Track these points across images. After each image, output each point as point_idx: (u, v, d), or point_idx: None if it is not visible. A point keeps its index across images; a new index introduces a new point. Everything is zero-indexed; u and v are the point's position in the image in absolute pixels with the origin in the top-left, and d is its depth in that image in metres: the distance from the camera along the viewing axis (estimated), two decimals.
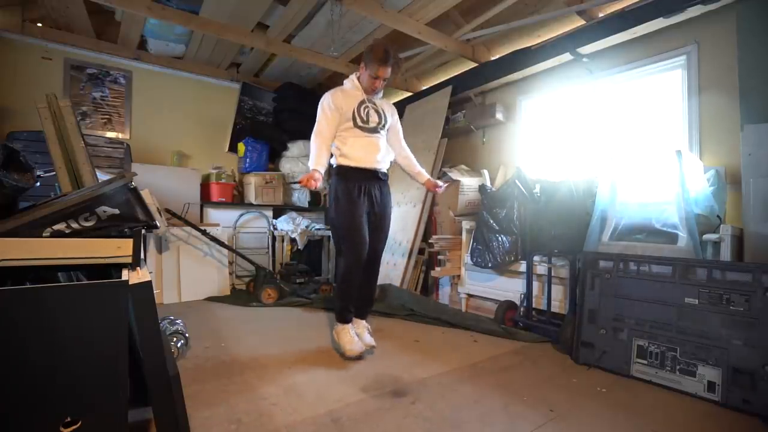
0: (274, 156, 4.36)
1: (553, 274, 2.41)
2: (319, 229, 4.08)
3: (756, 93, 2.07)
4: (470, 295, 3.04)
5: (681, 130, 2.48)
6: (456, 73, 3.82)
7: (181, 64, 4.04)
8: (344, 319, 2.05)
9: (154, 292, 0.98)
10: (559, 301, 2.42)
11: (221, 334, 2.35)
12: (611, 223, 2.19)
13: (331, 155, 2.06)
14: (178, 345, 1.94)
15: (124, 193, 1.00)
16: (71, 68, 3.57)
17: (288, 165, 4.29)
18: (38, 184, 1.12)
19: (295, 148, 4.27)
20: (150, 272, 1.00)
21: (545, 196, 2.63)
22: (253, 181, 3.96)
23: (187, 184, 3.65)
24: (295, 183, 4.20)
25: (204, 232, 3.28)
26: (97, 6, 2.96)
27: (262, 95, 4.52)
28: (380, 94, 2.17)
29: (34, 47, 3.38)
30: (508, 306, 2.59)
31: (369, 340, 2.08)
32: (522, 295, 2.55)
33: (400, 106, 3.87)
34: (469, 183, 3.32)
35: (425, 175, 2.26)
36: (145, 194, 2.10)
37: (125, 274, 0.94)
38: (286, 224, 3.98)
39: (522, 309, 2.55)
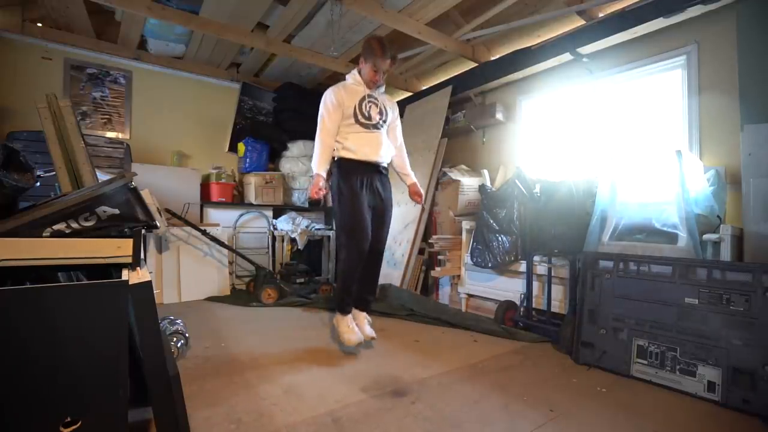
0: (274, 156, 4.36)
1: (553, 274, 2.41)
2: (319, 229, 4.08)
3: (756, 93, 2.07)
4: (470, 295, 3.04)
5: (681, 130, 2.48)
6: (456, 73, 3.82)
7: (181, 64, 4.04)
8: (343, 310, 2.08)
9: (154, 292, 0.98)
10: (559, 301, 2.42)
11: (221, 334, 2.35)
12: (611, 223, 2.19)
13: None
14: (178, 345, 1.94)
15: (124, 193, 1.00)
16: (71, 68, 3.57)
17: (288, 165, 4.29)
18: (38, 184, 1.12)
19: (295, 148, 4.27)
20: (150, 272, 1.00)
21: (545, 196, 2.63)
22: (253, 181, 3.95)
23: (187, 184, 3.65)
24: (297, 188, 4.24)
25: (204, 232, 3.28)
26: (97, 6, 2.96)
27: (262, 95, 4.52)
28: (382, 89, 2.21)
29: (34, 47, 3.38)
30: (508, 306, 2.59)
31: (369, 331, 2.09)
32: (522, 295, 2.55)
33: (401, 106, 3.86)
34: (469, 183, 3.32)
35: (412, 179, 2.30)
36: (145, 194, 2.10)
37: (125, 274, 0.94)
38: (286, 224, 3.98)
39: (522, 309, 2.55)
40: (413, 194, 2.28)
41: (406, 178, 2.31)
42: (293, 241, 3.97)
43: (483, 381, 1.75)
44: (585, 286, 2.04)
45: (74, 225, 0.93)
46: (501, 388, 1.68)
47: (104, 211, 0.96)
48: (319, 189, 1.93)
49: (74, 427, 0.85)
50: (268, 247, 3.96)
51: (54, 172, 1.39)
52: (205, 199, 3.79)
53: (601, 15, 2.81)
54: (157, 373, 0.95)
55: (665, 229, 2.00)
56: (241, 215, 3.89)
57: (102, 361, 0.89)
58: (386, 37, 3.28)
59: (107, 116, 3.74)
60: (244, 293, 3.54)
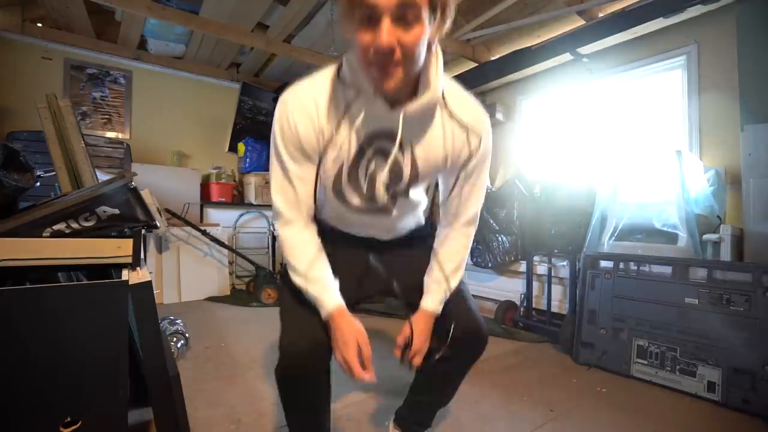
0: None
1: (553, 274, 2.41)
2: None
3: (756, 93, 2.06)
4: None
5: (681, 130, 2.48)
6: (456, 73, 3.82)
7: (181, 64, 4.04)
8: None
9: (154, 292, 0.98)
10: (559, 301, 2.42)
11: (221, 334, 2.35)
12: (611, 223, 2.19)
13: None
14: (178, 345, 1.94)
15: (124, 193, 1.00)
16: (71, 68, 3.57)
17: None
18: (38, 184, 1.12)
19: None
20: (150, 272, 0.99)
21: (545, 196, 2.63)
22: (253, 181, 3.95)
23: (187, 184, 3.65)
24: None
25: (204, 232, 3.28)
26: (97, 6, 2.96)
27: (262, 95, 4.52)
28: (434, 91, 0.84)
29: (34, 47, 3.38)
30: (508, 306, 2.59)
31: None
32: (522, 295, 2.55)
33: None
34: None
35: (430, 304, 0.95)
36: (145, 194, 2.10)
37: (125, 274, 0.94)
38: None
39: (522, 309, 2.55)
40: (408, 331, 0.94)
41: (428, 291, 0.96)
42: None
43: (483, 381, 1.75)
44: (585, 286, 2.04)
45: (74, 225, 0.93)
46: (501, 388, 1.68)
47: (104, 211, 0.96)
48: (360, 364, 0.85)
49: (74, 427, 0.85)
50: (268, 247, 3.95)
51: (54, 172, 1.39)
52: (205, 199, 3.78)
53: (601, 15, 2.81)
54: (157, 373, 0.95)
55: (665, 229, 2.00)
56: (241, 215, 3.89)
57: (102, 361, 0.89)
58: None
59: (107, 116, 3.73)
60: (244, 293, 3.54)
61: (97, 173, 1.55)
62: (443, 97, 0.80)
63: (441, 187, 0.96)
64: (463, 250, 0.98)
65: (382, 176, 0.85)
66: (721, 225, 1.93)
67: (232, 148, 4.35)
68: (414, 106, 0.76)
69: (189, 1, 2.99)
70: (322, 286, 0.85)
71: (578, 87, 3.03)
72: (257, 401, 1.51)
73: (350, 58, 0.77)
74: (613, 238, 2.16)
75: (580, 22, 2.89)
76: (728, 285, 1.63)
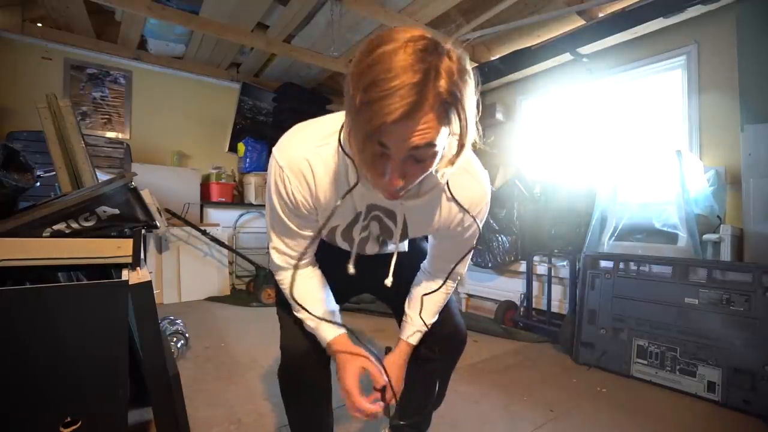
0: None
1: (553, 274, 2.42)
2: None
3: (756, 93, 2.07)
4: (470, 295, 3.04)
5: (681, 130, 2.48)
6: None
7: (181, 64, 4.04)
8: None
9: (154, 292, 0.98)
10: (559, 301, 2.42)
11: (221, 334, 2.35)
12: (611, 223, 2.19)
13: None
14: (178, 345, 1.94)
15: (124, 193, 1.00)
16: (71, 68, 3.56)
17: None
18: (38, 184, 1.11)
19: None
20: (150, 272, 0.99)
21: (545, 196, 2.63)
22: (253, 181, 3.95)
23: (187, 184, 3.65)
24: None
25: (204, 232, 3.28)
26: (97, 6, 2.96)
27: (262, 95, 4.51)
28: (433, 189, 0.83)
29: (34, 47, 3.38)
30: (508, 306, 2.59)
31: None
32: (522, 295, 2.55)
33: None
34: None
35: (409, 339, 0.96)
36: (145, 194, 2.10)
37: (125, 274, 0.93)
38: None
39: (522, 309, 2.55)
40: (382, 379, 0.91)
41: (406, 328, 0.97)
42: None
43: (483, 381, 1.75)
44: (585, 286, 2.04)
45: (74, 225, 0.93)
46: (501, 388, 1.68)
47: (104, 211, 0.96)
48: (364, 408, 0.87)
49: (74, 427, 0.85)
50: (268, 247, 3.95)
51: (54, 172, 1.39)
52: (205, 199, 3.78)
53: (601, 15, 2.81)
54: (157, 373, 0.95)
55: (665, 229, 2.00)
56: (241, 215, 3.89)
57: (102, 361, 0.89)
58: None
59: (107, 116, 3.73)
60: (244, 293, 3.54)
61: (97, 173, 1.55)
62: (447, 184, 0.76)
63: (431, 242, 0.94)
64: (444, 301, 0.97)
65: (375, 234, 0.87)
66: (721, 225, 1.93)
67: (232, 148, 4.35)
68: (416, 201, 0.75)
69: (189, 1, 2.99)
70: (317, 321, 0.86)
71: (578, 87, 3.03)
72: (257, 401, 1.51)
73: (351, 147, 0.65)
74: (613, 238, 2.16)
75: (580, 22, 2.89)
76: (728, 285, 1.63)
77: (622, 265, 1.94)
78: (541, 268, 2.48)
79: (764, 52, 2.05)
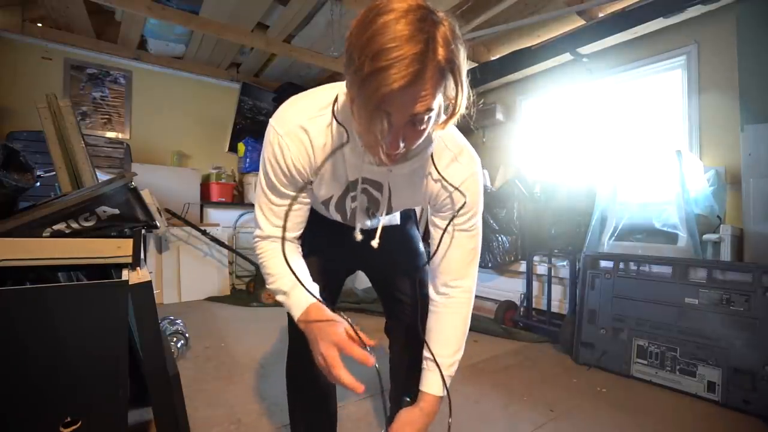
0: None
1: (553, 274, 2.42)
2: None
3: (756, 93, 2.07)
4: None
5: (681, 130, 2.48)
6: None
7: (181, 64, 4.04)
8: None
9: (154, 292, 0.98)
10: (559, 301, 2.42)
11: (221, 334, 2.35)
12: (611, 223, 2.19)
13: None
14: (178, 345, 1.94)
15: (124, 193, 1.00)
16: (71, 68, 3.56)
17: None
18: (38, 184, 1.11)
19: None
20: (150, 272, 0.99)
21: (545, 196, 2.63)
22: (253, 181, 3.95)
23: (187, 184, 3.65)
24: None
25: (204, 232, 3.28)
26: (97, 6, 2.96)
27: (262, 95, 4.51)
28: (426, 151, 0.83)
29: (34, 47, 3.38)
30: (508, 306, 2.59)
31: None
32: (522, 295, 2.55)
33: None
34: None
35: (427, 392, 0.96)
36: (145, 194, 2.09)
37: (125, 274, 0.93)
38: None
39: (522, 309, 2.55)
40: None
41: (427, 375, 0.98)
42: None
43: (483, 381, 1.75)
44: (585, 286, 2.04)
45: (74, 225, 0.93)
46: (501, 388, 1.68)
47: (104, 211, 0.96)
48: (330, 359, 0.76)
49: (74, 427, 0.85)
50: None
51: (54, 172, 1.39)
52: (205, 199, 3.78)
53: (601, 15, 2.81)
54: (157, 373, 0.95)
55: (665, 229, 2.00)
56: (241, 215, 3.89)
57: (102, 361, 0.89)
58: None
59: (107, 116, 3.73)
60: (244, 293, 3.54)
61: (97, 173, 1.55)
62: (432, 159, 0.79)
63: (432, 240, 0.89)
64: (464, 325, 0.90)
65: (364, 207, 0.87)
66: (721, 225, 1.93)
67: (232, 148, 4.35)
68: (402, 168, 0.76)
69: (189, 1, 2.99)
70: (288, 294, 0.82)
71: (578, 87, 3.03)
72: (257, 401, 1.51)
73: (345, 108, 0.72)
74: (613, 238, 2.16)
75: (580, 22, 2.89)
76: (728, 285, 1.63)
77: (622, 265, 1.94)
78: (541, 268, 2.48)
79: (764, 52, 2.05)
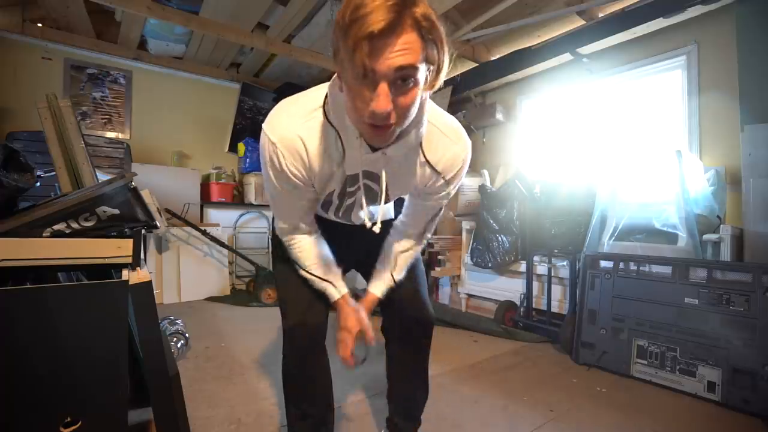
0: None
1: (553, 274, 2.41)
2: None
3: (756, 93, 2.07)
4: (470, 295, 3.04)
5: (681, 130, 2.48)
6: (456, 73, 3.82)
7: (181, 64, 4.04)
8: None
9: (154, 292, 0.98)
10: (559, 301, 2.42)
11: (221, 334, 2.35)
12: (611, 223, 2.19)
13: None
14: (178, 345, 1.94)
15: (124, 193, 1.00)
16: (71, 68, 3.56)
17: None
18: (38, 184, 1.11)
19: None
20: (150, 272, 0.99)
21: (545, 196, 2.63)
22: (253, 181, 3.95)
23: (187, 184, 3.65)
24: None
25: (204, 232, 3.28)
26: (97, 6, 2.96)
27: (262, 95, 4.52)
28: (418, 132, 0.86)
29: (34, 47, 3.38)
30: (508, 306, 2.59)
31: None
32: (522, 295, 2.55)
33: None
34: (468, 183, 3.32)
35: (376, 291, 1.04)
36: (145, 194, 2.09)
37: (125, 274, 0.93)
38: None
39: (522, 309, 2.55)
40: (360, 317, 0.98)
41: (376, 282, 1.05)
42: None
43: (483, 381, 1.75)
44: (585, 286, 2.04)
45: (74, 225, 0.93)
46: (501, 389, 1.68)
47: (104, 211, 0.96)
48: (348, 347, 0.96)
49: (74, 427, 0.85)
50: (268, 247, 3.95)
51: (54, 172, 1.39)
52: (205, 199, 3.78)
53: (601, 15, 2.81)
54: (157, 373, 0.95)
55: (665, 229, 2.00)
56: (241, 215, 3.89)
57: (102, 361, 0.89)
58: None
59: (107, 116, 3.73)
60: (244, 293, 3.54)
61: (97, 173, 1.56)
62: (420, 145, 0.84)
63: (406, 202, 1.03)
64: (412, 259, 1.07)
65: (361, 201, 0.92)
66: (721, 225, 1.93)
67: (232, 148, 4.35)
68: (393, 150, 0.79)
69: (189, 1, 2.99)
70: (328, 280, 0.98)
71: (578, 87, 3.03)
72: (257, 401, 1.51)
73: (335, 97, 0.77)
74: (613, 238, 2.16)
75: (580, 22, 2.89)
76: (728, 285, 1.63)
77: (622, 265, 1.94)
78: (541, 268, 2.48)
79: (764, 52, 2.05)
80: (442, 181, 0.89)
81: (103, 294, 0.90)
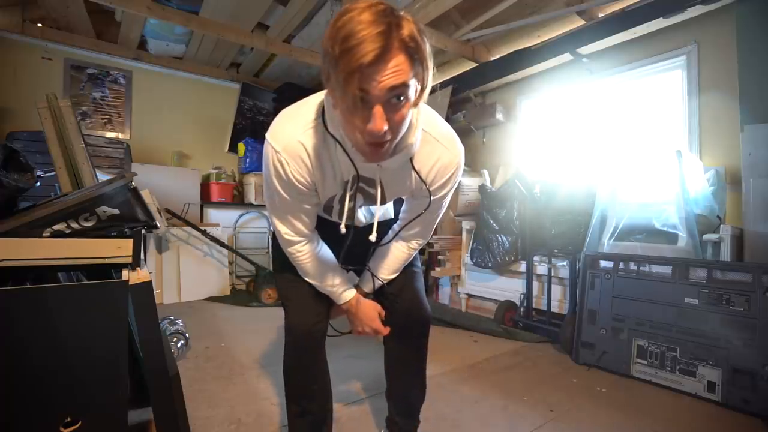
0: None
1: (553, 274, 2.41)
2: None
3: (756, 93, 2.06)
4: (470, 295, 3.04)
5: (681, 130, 2.48)
6: (456, 73, 3.82)
7: (181, 64, 4.04)
8: None
9: (154, 292, 0.98)
10: (559, 301, 2.42)
11: (221, 334, 2.35)
12: (611, 223, 2.19)
13: None
14: (178, 345, 1.94)
15: (124, 193, 1.00)
16: (71, 68, 3.56)
17: None
18: (38, 184, 1.11)
19: None
20: (150, 272, 0.99)
21: (545, 196, 2.63)
22: (253, 181, 3.95)
23: (187, 184, 3.65)
24: None
25: (204, 232, 3.28)
26: (97, 6, 2.96)
27: (262, 95, 4.52)
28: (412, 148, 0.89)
29: (34, 47, 3.38)
30: (508, 306, 2.59)
31: None
32: (522, 295, 2.55)
33: None
34: (468, 183, 3.31)
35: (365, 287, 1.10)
36: (145, 194, 2.09)
37: (125, 274, 0.93)
38: None
39: (522, 309, 2.55)
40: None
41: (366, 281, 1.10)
42: None
43: (483, 381, 1.75)
44: (585, 286, 2.04)
45: (74, 225, 0.93)
46: (501, 389, 1.68)
47: (104, 211, 0.96)
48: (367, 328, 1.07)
49: (74, 427, 0.85)
50: (268, 247, 3.95)
51: (54, 172, 1.39)
52: (205, 199, 3.79)
53: (601, 15, 2.81)
54: (157, 373, 0.95)
55: (665, 229, 2.00)
56: (241, 215, 3.89)
57: (102, 361, 0.89)
58: None
59: (107, 116, 3.73)
60: (244, 293, 3.54)
61: (97, 173, 1.56)
62: (411, 159, 0.87)
63: (404, 205, 1.07)
64: (409, 258, 1.10)
65: (359, 203, 0.98)
66: (721, 225, 1.93)
67: (232, 148, 4.35)
68: (388, 164, 0.83)
69: (189, 1, 2.99)
70: (334, 287, 1.03)
71: (578, 87, 3.03)
72: (257, 401, 1.51)
73: (331, 110, 0.79)
74: (613, 238, 2.16)
75: (580, 22, 2.89)
76: (728, 285, 1.62)
77: (622, 265, 1.94)
78: (541, 268, 2.48)
79: (764, 52, 2.05)
80: (434, 186, 0.93)
81: (103, 294, 0.90)
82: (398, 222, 1.08)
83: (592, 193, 2.36)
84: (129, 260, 0.96)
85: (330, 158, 0.86)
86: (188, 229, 3.29)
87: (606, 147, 2.86)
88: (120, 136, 3.76)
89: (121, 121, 3.80)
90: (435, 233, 3.44)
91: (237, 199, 4.03)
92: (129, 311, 0.93)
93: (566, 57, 2.91)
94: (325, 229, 1.04)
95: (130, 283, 0.91)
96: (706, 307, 1.66)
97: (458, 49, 3.47)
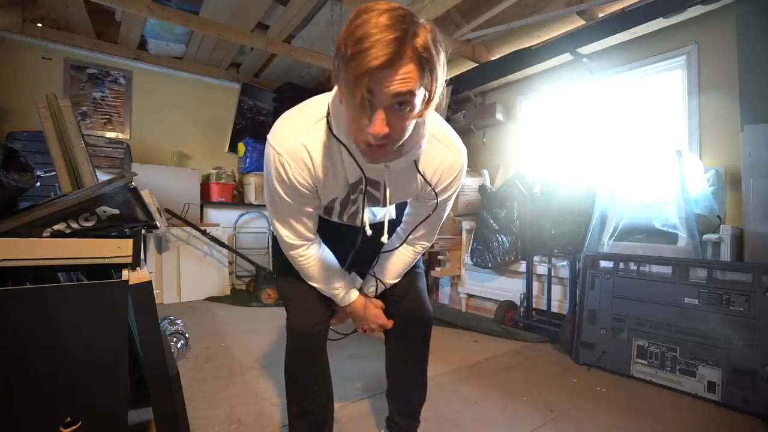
0: None
1: (553, 274, 2.41)
2: None
3: (756, 93, 2.07)
4: (470, 295, 3.04)
5: (681, 130, 2.48)
6: (456, 73, 3.82)
7: (181, 64, 4.04)
8: None
9: (154, 292, 0.98)
10: (559, 301, 2.42)
11: (221, 334, 2.35)
12: (611, 223, 2.19)
13: None
14: (178, 345, 1.94)
15: (124, 193, 1.00)
16: (71, 68, 3.56)
17: None
18: (38, 184, 1.11)
19: None
20: (150, 272, 0.99)
21: (545, 196, 2.63)
22: (253, 181, 3.95)
23: (187, 184, 3.65)
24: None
25: (204, 232, 3.28)
26: (97, 6, 2.96)
27: (262, 95, 4.52)
28: (418, 148, 0.89)
29: (34, 47, 3.38)
30: (508, 306, 2.59)
31: None
32: (522, 295, 2.55)
33: None
34: (469, 183, 3.31)
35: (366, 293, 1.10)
36: (145, 194, 2.08)
37: (125, 274, 0.93)
38: None
39: (522, 309, 2.55)
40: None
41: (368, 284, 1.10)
42: None
43: (483, 381, 1.75)
44: (585, 286, 2.04)
45: (74, 225, 0.93)
46: (501, 389, 1.68)
47: (104, 211, 0.96)
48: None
49: (74, 427, 0.85)
50: (268, 247, 3.95)
51: (54, 172, 1.39)
52: (205, 199, 3.78)
53: (601, 15, 2.81)
54: (157, 373, 0.95)
55: (665, 229, 2.00)
56: (241, 215, 3.89)
57: (102, 361, 0.89)
58: None
59: (107, 116, 3.73)
60: (244, 293, 3.54)
61: (97, 173, 1.56)
62: (416, 162, 0.87)
63: (408, 209, 1.06)
64: (412, 261, 1.10)
65: (364, 206, 0.95)
66: (721, 225, 1.93)
67: (232, 148, 4.35)
68: (395, 164, 0.84)
69: (189, 1, 2.99)
70: (337, 290, 1.03)
71: (578, 87, 3.03)
72: (257, 401, 1.51)
73: (337, 110, 0.79)
74: (613, 238, 2.16)
75: (580, 22, 2.89)
76: (728, 285, 1.63)
77: (622, 265, 1.94)
78: (541, 268, 2.48)
79: (764, 52, 2.05)
80: (439, 187, 0.93)
81: (103, 294, 0.90)
82: (403, 226, 1.07)
83: (592, 193, 2.36)
84: (129, 260, 0.96)
85: (333, 160, 0.85)
86: (188, 229, 3.29)
87: (606, 147, 2.86)
88: (120, 136, 3.76)
89: (121, 121, 3.80)
90: None
91: (237, 199, 4.03)
92: (129, 311, 0.93)
93: (566, 57, 2.91)
94: (326, 230, 1.03)
95: (130, 283, 0.91)
96: (706, 307, 1.66)
97: (458, 49, 3.47)
